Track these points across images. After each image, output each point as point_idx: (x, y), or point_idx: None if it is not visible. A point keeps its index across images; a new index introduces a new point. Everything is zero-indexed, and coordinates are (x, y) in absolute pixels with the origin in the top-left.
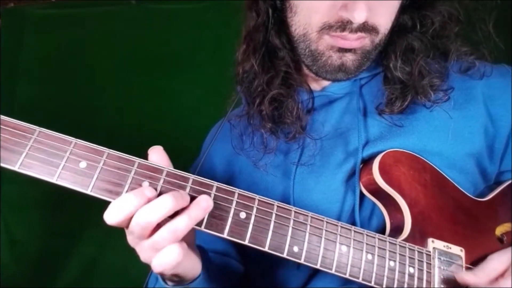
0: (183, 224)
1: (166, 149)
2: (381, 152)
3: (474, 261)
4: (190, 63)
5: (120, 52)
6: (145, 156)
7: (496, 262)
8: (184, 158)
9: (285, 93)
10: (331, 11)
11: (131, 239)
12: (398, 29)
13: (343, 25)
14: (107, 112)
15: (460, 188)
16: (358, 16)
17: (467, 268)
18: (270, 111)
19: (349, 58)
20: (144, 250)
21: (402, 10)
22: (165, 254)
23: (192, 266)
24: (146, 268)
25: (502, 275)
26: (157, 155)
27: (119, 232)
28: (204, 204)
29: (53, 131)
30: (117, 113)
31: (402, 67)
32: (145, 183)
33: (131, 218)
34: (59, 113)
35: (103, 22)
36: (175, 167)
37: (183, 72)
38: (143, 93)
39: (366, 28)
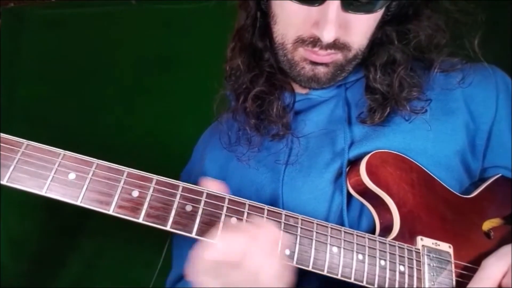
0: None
1: (167, 147)
2: (367, 153)
3: (463, 257)
4: (190, 63)
5: (120, 52)
6: (139, 156)
7: (493, 268)
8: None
9: (268, 90)
10: (305, 26)
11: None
12: (379, 41)
13: (315, 42)
14: (107, 111)
15: (446, 186)
16: (327, 35)
17: (456, 265)
18: (253, 108)
19: (320, 70)
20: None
21: (382, 24)
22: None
23: None
24: (146, 268)
25: (500, 283)
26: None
27: (119, 233)
28: None
29: (53, 130)
30: (117, 112)
31: (382, 79)
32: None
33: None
34: (59, 113)
35: (103, 22)
36: (168, 171)
37: (183, 71)
38: (143, 92)
39: (337, 45)
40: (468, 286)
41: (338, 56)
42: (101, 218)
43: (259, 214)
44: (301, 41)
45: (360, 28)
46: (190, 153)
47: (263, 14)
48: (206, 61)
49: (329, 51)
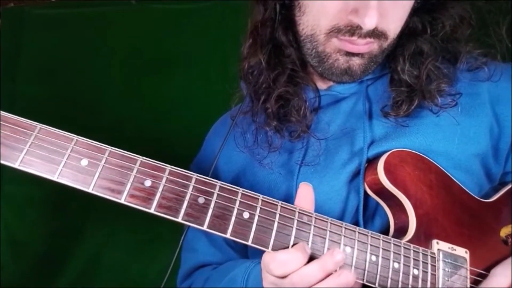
0: None
1: (167, 147)
2: (386, 152)
3: (479, 263)
4: (190, 62)
5: (120, 52)
6: (146, 154)
7: (500, 278)
8: (185, 155)
9: (292, 91)
10: (341, 14)
11: None
12: (407, 32)
13: (353, 30)
14: (107, 111)
15: (465, 189)
16: (369, 22)
17: (472, 271)
18: (276, 109)
19: (356, 62)
20: None
21: (412, 13)
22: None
23: None
24: (147, 268)
25: None
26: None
27: (119, 232)
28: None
29: None
30: (117, 112)
31: (410, 70)
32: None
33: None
34: (58, 113)
35: (103, 22)
36: (177, 164)
37: (183, 71)
38: (143, 92)
39: (376, 33)
40: None
41: (374, 46)
42: (101, 217)
43: (273, 210)
44: (336, 31)
45: (397, 15)
46: (194, 149)
47: (284, 7)
48: (206, 61)
49: (367, 39)
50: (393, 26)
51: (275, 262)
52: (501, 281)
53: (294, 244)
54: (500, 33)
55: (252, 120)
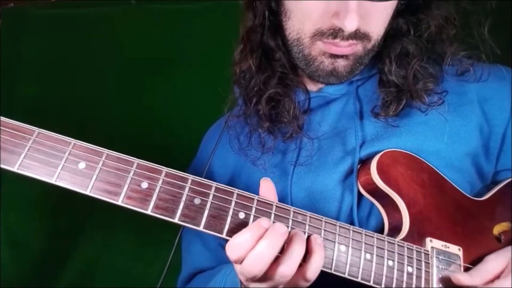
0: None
1: (164, 149)
2: (378, 152)
3: (472, 260)
4: (190, 62)
5: (120, 52)
6: (144, 156)
7: (493, 263)
8: (183, 158)
9: (282, 92)
10: (323, 18)
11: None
12: (393, 33)
13: (335, 33)
14: (107, 111)
15: (457, 188)
16: (350, 24)
17: (465, 268)
18: (267, 111)
19: (340, 64)
20: None
21: (397, 14)
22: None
23: None
24: (147, 269)
25: (498, 276)
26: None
27: (119, 233)
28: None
29: (53, 131)
30: (117, 112)
31: (397, 71)
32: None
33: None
34: (59, 113)
35: (103, 22)
36: (176, 166)
37: (183, 71)
38: (143, 92)
39: (358, 35)
40: (466, 277)
41: (358, 47)
42: (102, 218)
43: (268, 210)
44: (320, 34)
45: (379, 17)
46: (192, 152)
47: (272, 13)
48: (207, 61)
49: (350, 41)
50: (376, 27)
51: (229, 246)
52: (491, 267)
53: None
54: (483, 33)
55: (245, 123)
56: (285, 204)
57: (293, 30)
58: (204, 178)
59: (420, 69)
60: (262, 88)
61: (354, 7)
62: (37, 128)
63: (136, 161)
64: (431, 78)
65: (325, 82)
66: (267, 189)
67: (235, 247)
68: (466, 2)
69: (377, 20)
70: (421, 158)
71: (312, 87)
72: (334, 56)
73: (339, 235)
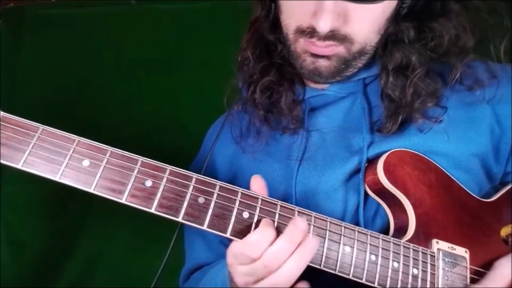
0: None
1: (166, 148)
2: (385, 152)
3: (479, 263)
4: (190, 62)
5: (120, 52)
6: (145, 155)
7: (504, 268)
8: (186, 156)
9: (277, 81)
10: (304, 16)
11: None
12: (394, 38)
13: (312, 32)
14: (107, 111)
15: (465, 189)
16: (323, 25)
17: (472, 270)
18: (262, 99)
19: (322, 64)
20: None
21: (402, 18)
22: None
23: None
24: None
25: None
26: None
27: (120, 233)
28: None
29: None
30: (117, 112)
31: (394, 84)
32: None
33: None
34: (59, 113)
35: (103, 22)
36: (178, 164)
37: (183, 71)
38: (143, 92)
39: (336, 37)
40: (479, 285)
41: (339, 49)
42: (102, 218)
43: (272, 210)
44: (300, 32)
45: (363, 20)
46: (194, 150)
47: (276, 6)
48: (207, 61)
49: (327, 42)
50: (360, 30)
51: (247, 245)
52: (505, 271)
53: None
54: (499, 49)
55: (244, 112)
56: (289, 204)
57: (284, 25)
58: (206, 168)
59: (421, 84)
60: (259, 77)
61: (330, 7)
62: (41, 125)
63: (141, 159)
64: (430, 96)
65: (310, 79)
66: (258, 187)
67: (255, 243)
68: (487, 14)
69: (361, 22)
70: (428, 158)
71: (317, 85)
72: (315, 56)
73: (344, 236)
